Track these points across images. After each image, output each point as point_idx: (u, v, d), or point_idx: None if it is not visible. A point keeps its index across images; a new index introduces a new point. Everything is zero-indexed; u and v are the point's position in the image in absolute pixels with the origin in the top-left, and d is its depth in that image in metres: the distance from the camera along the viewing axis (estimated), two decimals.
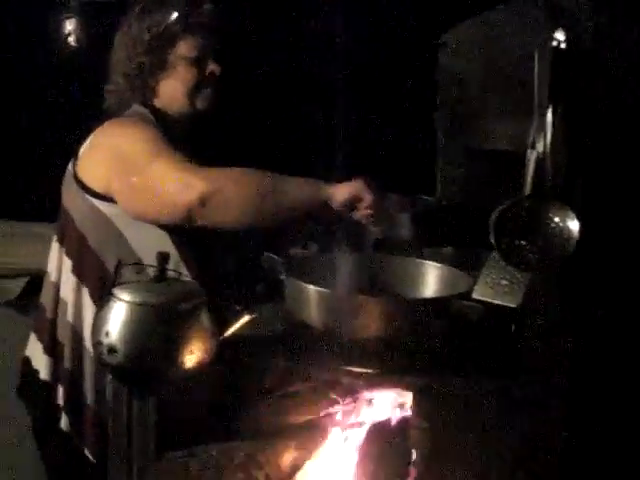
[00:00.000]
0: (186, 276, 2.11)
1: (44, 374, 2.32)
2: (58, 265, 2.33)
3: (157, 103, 2.36)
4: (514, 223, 2.02)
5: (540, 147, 2.05)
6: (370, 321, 1.92)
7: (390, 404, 1.99)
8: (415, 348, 1.94)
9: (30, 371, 2.36)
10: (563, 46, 2.13)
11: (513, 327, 1.95)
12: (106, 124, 2.30)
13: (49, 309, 2.34)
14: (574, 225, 1.98)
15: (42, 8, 3.71)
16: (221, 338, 1.88)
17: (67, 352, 2.29)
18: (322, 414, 1.94)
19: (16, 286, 3.00)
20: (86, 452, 2.25)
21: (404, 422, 1.94)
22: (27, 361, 2.39)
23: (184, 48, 2.32)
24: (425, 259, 2.29)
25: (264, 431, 1.84)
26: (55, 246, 2.35)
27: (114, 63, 2.37)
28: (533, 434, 1.96)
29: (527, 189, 2.04)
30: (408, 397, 1.94)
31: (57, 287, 2.32)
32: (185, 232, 2.23)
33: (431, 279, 2.21)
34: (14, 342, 2.53)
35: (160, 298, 1.74)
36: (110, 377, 1.84)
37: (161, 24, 2.30)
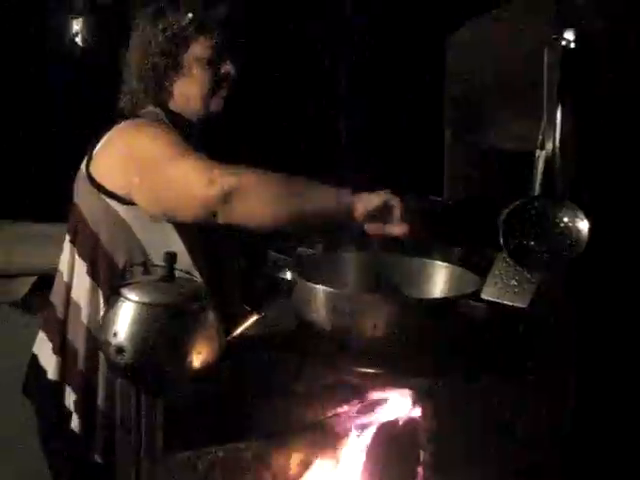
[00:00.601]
0: (195, 277, 2.11)
1: (52, 374, 2.31)
2: (70, 265, 2.32)
3: (171, 105, 2.35)
4: (523, 223, 2.01)
5: (549, 147, 2.05)
6: (378, 321, 1.92)
7: (398, 405, 1.99)
8: (423, 348, 1.93)
9: (37, 369, 2.36)
10: (572, 45, 2.13)
11: (521, 328, 1.95)
12: (122, 124, 2.29)
13: (60, 309, 2.33)
14: (583, 225, 1.98)
15: (49, 8, 3.71)
16: (229, 338, 1.88)
17: (81, 353, 2.28)
18: (330, 415, 1.93)
19: (23, 286, 3.01)
20: (95, 455, 2.25)
21: (412, 423, 1.93)
22: (35, 358, 2.39)
23: (198, 49, 2.32)
24: (433, 259, 2.28)
25: (272, 431, 1.83)
26: (67, 246, 2.35)
27: (128, 64, 2.37)
28: (542, 435, 1.96)
29: (536, 189, 2.04)
30: (416, 398, 1.94)
31: (69, 287, 2.32)
32: (195, 232, 2.23)
33: (439, 279, 2.21)
34: (21, 342, 2.53)
35: (168, 298, 1.73)
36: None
37: (175, 25, 2.30)
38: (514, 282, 1.97)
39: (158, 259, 1.87)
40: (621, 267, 2.28)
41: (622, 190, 2.28)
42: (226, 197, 2.06)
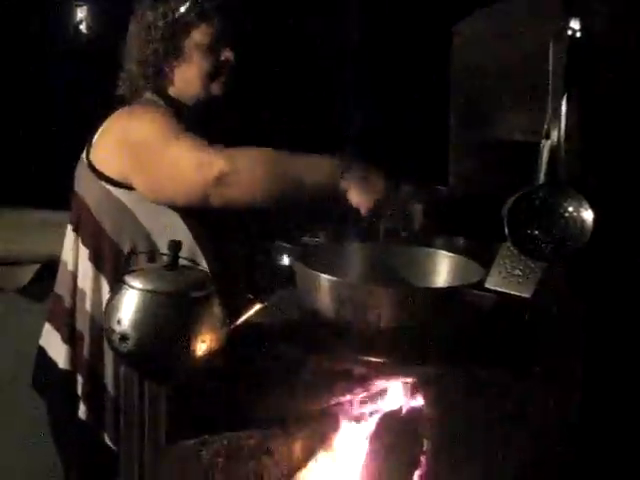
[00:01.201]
0: (200, 264, 2.11)
1: (63, 364, 2.32)
2: (75, 254, 2.32)
3: (171, 91, 2.36)
4: (528, 213, 2.01)
5: (554, 136, 2.04)
6: (382, 310, 1.92)
7: (401, 393, 1.99)
8: (426, 338, 1.93)
9: (47, 361, 2.36)
10: (578, 35, 2.12)
11: (526, 317, 1.95)
12: (119, 112, 2.31)
13: (67, 299, 2.33)
14: (588, 215, 1.97)
15: None
16: (232, 326, 1.88)
17: (86, 341, 2.29)
18: (333, 403, 1.93)
19: (27, 274, 3.01)
20: (106, 440, 2.26)
21: (415, 412, 1.93)
22: (42, 351, 2.39)
23: (198, 35, 2.32)
24: (437, 249, 2.28)
25: (276, 420, 1.83)
26: (70, 235, 2.35)
27: (128, 51, 2.37)
28: (547, 424, 1.95)
29: (541, 178, 2.03)
30: (420, 387, 1.94)
31: (75, 276, 2.32)
32: (200, 219, 2.24)
33: (443, 268, 2.21)
34: (26, 328, 2.53)
35: (172, 286, 1.73)
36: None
37: (175, 12, 2.30)
38: (518, 272, 1.96)
39: (163, 246, 1.87)
40: (626, 257, 2.28)
41: (628, 179, 2.27)
42: (217, 181, 2.09)
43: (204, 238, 2.26)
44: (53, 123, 3.57)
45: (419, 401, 1.94)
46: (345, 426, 1.96)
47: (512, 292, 1.94)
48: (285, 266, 2.36)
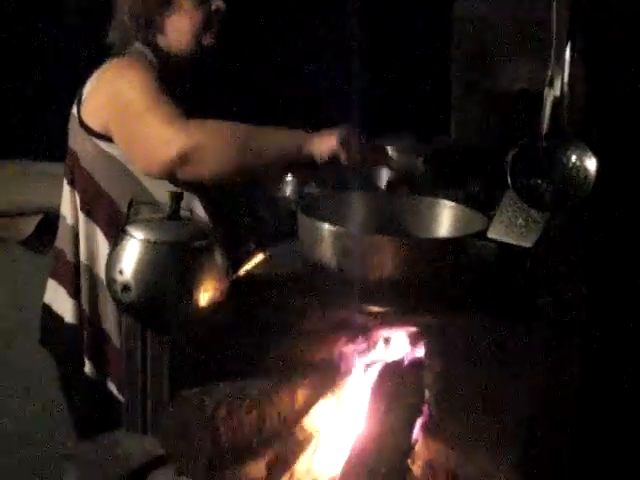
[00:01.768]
0: (199, 215, 2.11)
1: (70, 318, 2.33)
2: (72, 207, 2.32)
3: (161, 41, 2.33)
4: (531, 162, 1.99)
5: (557, 85, 2.02)
6: (384, 260, 1.91)
7: (403, 343, 1.99)
8: (429, 288, 1.93)
9: (52, 317, 2.37)
10: None
11: (528, 265, 1.94)
12: (106, 66, 2.29)
13: (69, 253, 2.33)
14: (591, 164, 1.96)
15: None
16: (234, 276, 1.88)
17: (84, 293, 2.30)
18: (336, 353, 1.94)
19: (29, 225, 3.00)
20: (114, 391, 2.27)
21: (417, 362, 1.94)
22: (47, 308, 2.39)
23: None
24: (440, 199, 2.27)
25: (278, 369, 1.84)
26: (66, 188, 2.35)
27: (119, 0, 2.34)
28: (548, 373, 1.96)
29: (544, 128, 2.02)
30: (422, 336, 1.94)
31: (75, 229, 2.32)
32: None
33: (445, 219, 2.20)
34: (29, 280, 2.53)
35: (174, 236, 1.73)
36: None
37: None
38: (521, 221, 1.95)
39: (161, 197, 1.87)
40: (629, 206, 2.27)
41: (631, 128, 2.26)
42: (182, 157, 2.09)
43: (203, 190, 2.25)
44: (53, 74, 3.54)
45: (421, 351, 1.95)
46: (348, 375, 1.97)
47: (514, 242, 1.94)
48: (287, 216, 2.36)
